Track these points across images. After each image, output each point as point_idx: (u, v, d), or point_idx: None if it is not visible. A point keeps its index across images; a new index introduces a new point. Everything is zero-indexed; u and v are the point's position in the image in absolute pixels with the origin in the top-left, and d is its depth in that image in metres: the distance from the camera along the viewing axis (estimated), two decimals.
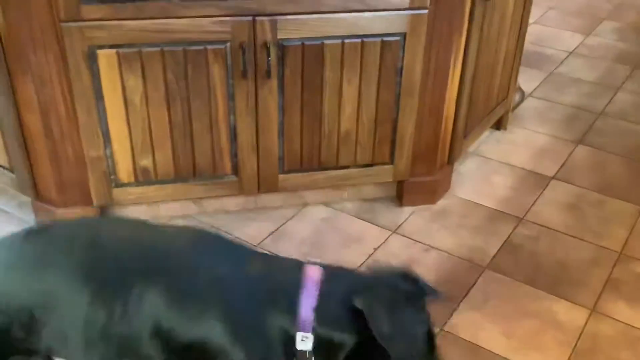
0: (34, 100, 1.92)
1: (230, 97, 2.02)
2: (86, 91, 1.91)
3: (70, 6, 1.77)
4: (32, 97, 1.91)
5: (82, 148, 2.01)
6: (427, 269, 2.10)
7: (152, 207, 2.26)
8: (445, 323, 1.92)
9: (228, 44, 1.93)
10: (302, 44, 1.98)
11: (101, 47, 1.85)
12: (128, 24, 1.84)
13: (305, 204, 2.38)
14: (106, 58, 1.87)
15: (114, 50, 1.87)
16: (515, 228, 2.31)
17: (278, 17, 1.92)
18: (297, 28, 1.96)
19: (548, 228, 2.32)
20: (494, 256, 2.18)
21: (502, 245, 2.23)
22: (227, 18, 1.89)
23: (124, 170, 2.08)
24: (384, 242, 2.23)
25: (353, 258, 2.14)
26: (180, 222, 2.26)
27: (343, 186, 2.36)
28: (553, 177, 2.58)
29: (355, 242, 2.22)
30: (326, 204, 2.39)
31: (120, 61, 1.89)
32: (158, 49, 1.90)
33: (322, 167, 2.24)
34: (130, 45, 1.87)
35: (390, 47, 2.03)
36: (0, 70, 1.88)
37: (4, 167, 2.14)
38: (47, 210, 2.14)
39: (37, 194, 2.12)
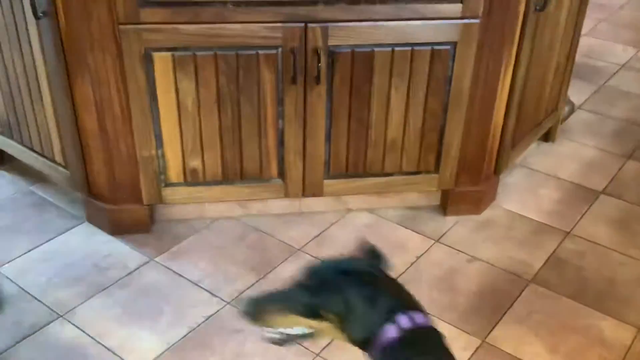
0: (91, 100, 1.97)
1: (280, 101, 2.05)
2: (141, 92, 1.96)
3: (129, 9, 1.82)
4: (89, 97, 1.97)
5: (134, 147, 2.06)
6: (469, 280, 2.09)
7: (198, 207, 2.30)
8: (488, 335, 1.90)
9: (279, 50, 1.96)
10: (352, 50, 2.00)
11: (157, 49, 1.90)
12: (184, 27, 1.88)
13: (348, 210, 2.39)
14: (161, 60, 1.92)
15: (169, 53, 1.91)
16: (561, 242, 2.27)
17: (329, 24, 1.94)
18: (347, 35, 1.97)
19: (595, 243, 2.27)
20: (539, 270, 2.15)
21: (548, 259, 2.20)
22: (280, 24, 1.92)
23: (174, 171, 2.13)
24: (426, 250, 2.22)
25: (395, 265, 2.13)
26: (224, 223, 2.30)
27: (387, 193, 2.36)
28: (602, 192, 2.53)
29: (397, 250, 2.22)
30: (370, 210, 2.39)
31: (175, 64, 1.93)
32: (211, 52, 1.93)
33: (367, 174, 2.25)
34: (185, 49, 1.92)
35: (440, 56, 2.03)
36: (59, 71, 1.94)
37: (58, 164, 2.21)
38: (98, 207, 2.20)
39: (90, 190, 2.18)
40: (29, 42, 1.99)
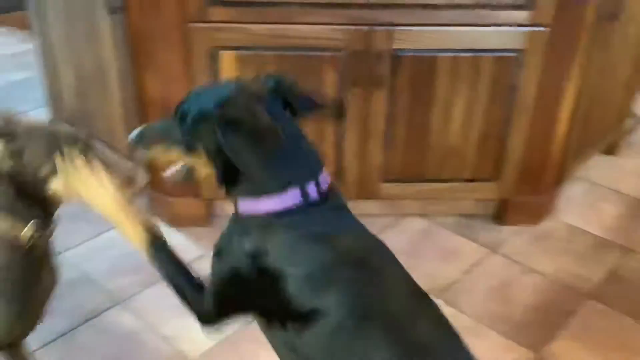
0: (158, 96, 2.03)
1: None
2: None
3: (198, 8, 1.86)
4: (155, 93, 2.02)
5: None
6: (525, 292, 2.05)
7: None
8: (542, 349, 1.86)
9: (343, 52, 1.97)
10: (416, 55, 1.99)
11: (223, 48, 1.94)
12: (250, 27, 1.91)
13: (403, 214, 2.38)
14: (227, 59, 1.96)
15: (234, 52, 1.95)
16: (621, 258, 2.21)
17: (394, 28, 1.94)
18: (412, 39, 1.97)
19: None
20: (598, 286, 2.09)
21: (607, 275, 2.14)
22: (345, 26, 1.93)
23: None
24: (481, 259, 2.19)
25: (449, 273, 2.12)
26: None
27: (443, 200, 2.34)
28: None
29: (452, 257, 2.19)
30: (424, 216, 2.38)
31: (240, 63, 1.97)
32: (275, 52, 1.96)
33: (424, 179, 2.23)
34: (249, 48, 1.95)
35: (505, 63, 2.00)
36: (128, 66, 2.00)
37: (123, 156, 2.27)
38: (159, 199, 2.26)
39: (154, 184, 2.24)
40: (102, 37, 2.06)
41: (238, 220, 1.13)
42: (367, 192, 2.25)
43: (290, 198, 1.04)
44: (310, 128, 2.06)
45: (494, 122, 2.11)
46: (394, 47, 1.97)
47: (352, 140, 2.13)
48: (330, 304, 1.04)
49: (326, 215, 1.09)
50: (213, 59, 1.95)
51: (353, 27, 1.93)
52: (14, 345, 1.36)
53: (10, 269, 1.18)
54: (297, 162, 1.07)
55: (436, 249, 2.23)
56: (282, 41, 1.94)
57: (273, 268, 1.06)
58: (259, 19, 1.90)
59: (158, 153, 1.17)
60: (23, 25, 3.80)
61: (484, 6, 1.91)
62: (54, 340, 1.81)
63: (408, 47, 1.98)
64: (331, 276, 1.06)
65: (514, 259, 2.19)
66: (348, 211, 1.18)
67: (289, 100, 1.11)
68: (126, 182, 1.22)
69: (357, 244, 1.13)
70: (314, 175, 1.07)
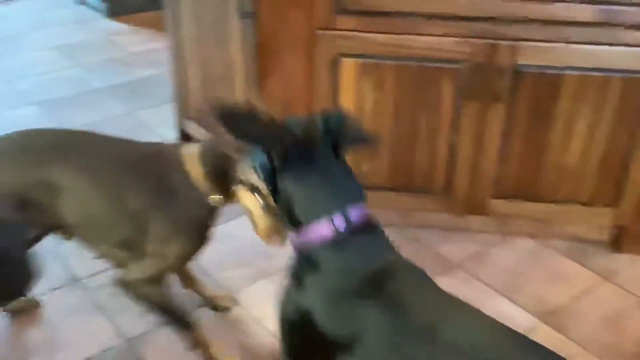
0: (280, 99, 2.10)
1: (457, 116, 2.05)
2: (325, 95, 2.06)
3: (327, 16, 1.92)
4: (278, 96, 2.10)
5: None
6: (639, 325, 1.96)
7: None
8: None
9: (464, 64, 1.97)
10: (540, 71, 1.96)
11: (346, 55, 1.99)
12: (374, 36, 1.95)
13: (511, 233, 2.33)
14: (348, 66, 2.00)
15: (357, 60, 1.99)
16: None
17: (520, 43, 1.92)
18: (537, 55, 1.93)
19: None
20: None
21: None
22: (469, 39, 1.93)
23: None
24: (593, 286, 2.11)
25: (557, 297, 2.05)
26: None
27: (555, 222, 2.27)
28: None
29: (561, 282, 2.13)
30: (533, 236, 2.32)
31: (360, 71, 2.01)
32: (396, 62, 1.99)
33: (536, 199, 2.18)
34: (371, 57, 1.99)
35: (636, 85, 1.92)
36: (254, 69, 2.09)
37: None
38: None
39: None
40: (231, 40, 2.17)
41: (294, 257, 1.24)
42: (475, 208, 2.22)
43: (320, 229, 1.12)
44: (422, 137, 2.08)
45: (617, 145, 2.03)
46: (518, 62, 1.94)
47: (465, 153, 2.11)
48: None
49: (357, 246, 1.14)
50: (335, 66, 2.00)
51: (477, 41, 1.92)
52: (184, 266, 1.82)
53: (202, 218, 1.61)
54: (327, 197, 1.14)
55: (544, 272, 2.17)
56: (403, 51, 1.97)
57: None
58: (385, 29, 1.93)
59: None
60: (152, 25, 4.06)
61: (618, 25, 1.85)
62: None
63: (531, 63, 1.95)
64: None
65: (629, 289, 2.09)
66: (383, 240, 1.21)
67: (337, 138, 1.18)
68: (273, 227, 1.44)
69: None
70: (341, 208, 1.13)
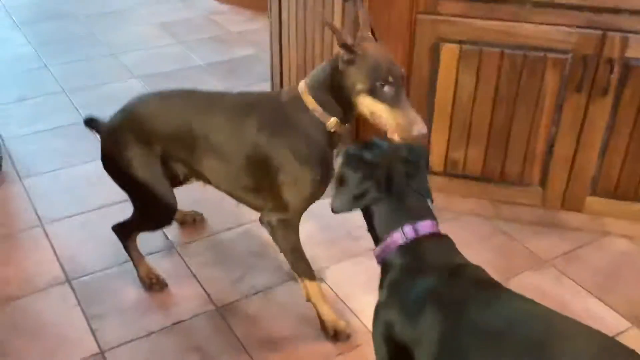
0: None
1: (558, 108, 2.00)
2: (423, 80, 2.05)
3: (431, 0, 1.91)
4: None
5: None
6: None
7: (447, 199, 2.32)
8: None
9: (570, 55, 1.90)
10: None
11: (447, 41, 1.97)
12: (477, 22, 1.92)
13: (606, 233, 2.24)
14: (448, 52, 1.99)
15: (457, 46, 1.97)
16: None
17: (631, 35, 1.84)
18: None
19: None
20: None
21: None
22: (576, 29, 1.86)
23: (436, 159, 2.19)
24: None
25: None
26: (473, 220, 2.30)
27: None
28: None
29: None
30: (631, 238, 2.22)
31: (460, 57, 1.99)
32: (498, 50, 1.95)
33: (637, 199, 2.09)
34: (473, 43, 1.96)
35: None
36: None
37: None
38: None
39: None
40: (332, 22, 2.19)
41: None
42: (570, 204, 2.16)
43: (393, 238, 1.28)
44: (520, 128, 2.03)
45: None
46: (627, 55, 1.87)
47: (564, 147, 2.05)
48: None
49: (424, 249, 1.26)
50: (435, 51, 1.99)
51: (586, 31, 1.86)
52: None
53: (319, 143, 1.65)
54: (400, 215, 1.29)
55: (638, 275, 2.08)
56: (507, 39, 1.92)
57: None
58: (488, 15, 1.90)
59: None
60: (252, 6, 4.15)
61: None
62: (255, 294, 1.98)
63: None
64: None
65: None
66: (449, 247, 1.31)
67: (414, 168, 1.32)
68: (407, 125, 1.51)
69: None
70: (411, 222, 1.27)
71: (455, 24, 1.94)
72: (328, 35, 2.23)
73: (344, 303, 1.96)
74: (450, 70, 2.01)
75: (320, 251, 2.16)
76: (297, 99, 1.64)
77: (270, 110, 1.68)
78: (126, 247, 1.98)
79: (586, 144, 2.03)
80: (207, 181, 1.84)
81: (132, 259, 1.99)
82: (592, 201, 2.13)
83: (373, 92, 1.51)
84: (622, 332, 1.86)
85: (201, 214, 2.29)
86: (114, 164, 1.84)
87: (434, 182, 2.19)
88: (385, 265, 1.30)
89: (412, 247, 1.25)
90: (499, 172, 2.16)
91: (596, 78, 1.91)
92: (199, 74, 3.37)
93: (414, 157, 1.32)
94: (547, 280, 2.06)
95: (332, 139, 1.65)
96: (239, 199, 1.83)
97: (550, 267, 2.11)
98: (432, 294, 1.18)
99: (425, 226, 1.26)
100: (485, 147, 2.13)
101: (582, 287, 2.03)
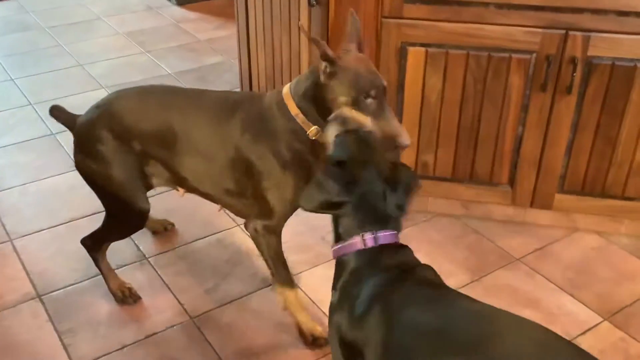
0: None
1: (524, 107, 2.02)
2: (390, 84, 2.03)
3: (395, 4, 1.92)
4: None
5: None
6: None
7: (421, 200, 2.34)
8: None
9: (534, 55, 1.93)
10: (612, 63, 1.90)
11: (412, 44, 1.99)
12: (442, 25, 1.94)
13: (575, 229, 2.28)
14: (415, 55, 2.00)
15: (423, 49, 1.99)
16: None
17: (592, 34, 1.87)
18: (610, 47, 1.88)
19: None
20: None
21: None
22: (540, 29, 1.89)
23: (406, 161, 2.19)
24: None
25: (621, 296, 2.00)
26: (445, 220, 2.32)
27: (623, 218, 2.21)
28: None
29: (627, 281, 2.07)
30: (600, 233, 2.26)
31: (427, 60, 2.00)
32: (464, 51, 1.97)
33: (605, 195, 2.13)
34: (439, 46, 1.98)
35: None
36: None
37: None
38: None
39: None
40: (299, 28, 2.19)
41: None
42: (540, 202, 2.19)
43: (354, 243, 1.31)
44: (488, 128, 2.05)
45: None
46: (590, 54, 1.90)
47: (532, 146, 2.08)
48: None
49: (378, 256, 1.29)
50: (401, 55, 2.00)
51: (548, 31, 1.89)
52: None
53: (302, 150, 1.63)
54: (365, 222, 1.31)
55: (610, 270, 2.12)
56: (472, 40, 1.95)
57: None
58: (453, 18, 1.92)
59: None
60: (220, 13, 4.14)
61: None
62: (230, 302, 1.97)
63: (605, 55, 1.90)
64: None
65: None
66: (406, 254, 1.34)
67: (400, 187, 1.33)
68: (389, 136, 1.50)
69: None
70: (374, 231, 1.29)
71: (421, 27, 1.96)
72: (295, 40, 2.23)
73: (319, 307, 1.96)
74: (418, 73, 2.03)
75: (295, 257, 2.15)
76: (281, 103, 1.62)
77: (254, 113, 1.66)
78: (96, 261, 1.94)
79: (553, 142, 2.06)
80: (187, 184, 1.78)
81: (102, 273, 1.96)
82: (560, 198, 2.16)
83: (356, 105, 1.49)
84: (594, 327, 1.89)
85: (172, 223, 2.28)
86: (87, 161, 1.77)
87: None
88: (339, 265, 1.33)
89: (368, 253, 1.28)
90: (469, 172, 2.18)
91: (560, 77, 1.94)
92: (168, 83, 3.34)
93: (403, 177, 1.33)
94: (519, 277, 2.08)
95: (314, 146, 1.63)
96: (222, 202, 1.80)
97: (521, 265, 2.14)
98: (378, 295, 1.22)
99: (385, 236, 1.29)
100: (454, 148, 2.15)
101: (554, 284, 2.06)
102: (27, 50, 3.76)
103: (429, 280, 1.27)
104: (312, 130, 1.60)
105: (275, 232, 1.74)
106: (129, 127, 1.72)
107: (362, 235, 1.28)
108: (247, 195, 1.71)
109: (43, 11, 4.33)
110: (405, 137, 1.50)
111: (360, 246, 1.28)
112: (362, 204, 1.29)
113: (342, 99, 1.51)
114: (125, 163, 1.74)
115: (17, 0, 4.52)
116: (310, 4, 2.03)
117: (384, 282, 1.24)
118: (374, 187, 1.29)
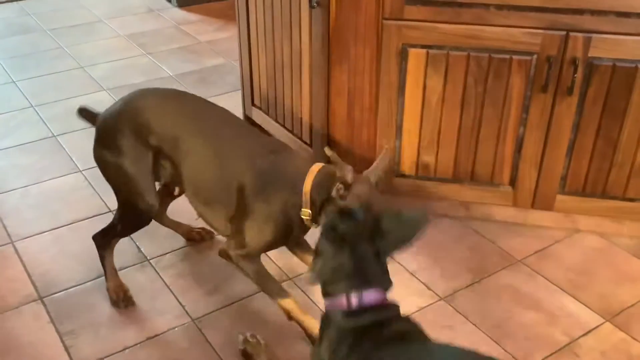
0: (345, 89, 2.12)
1: (525, 108, 2.02)
2: (391, 85, 2.06)
3: (396, 5, 1.93)
4: (343, 86, 2.12)
5: (375, 136, 2.17)
6: None
7: (421, 202, 2.34)
8: None
9: (534, 56, 1.93)
10: (613, 64, 1.90)
11: (413, 46, 1.99)
12: (443, 27, 1.94)
13: (577, 230, 2.28)
14: (415, 57, 2.00)
15: (424, 50, 1.99)
16: None
17: (593, 35, 1.87)
18: (611, 48, 1.88)
19: None
20: None
21: None
22: (540, 30, 1.89)
23: (407, 163, 2.21)
24: None
25: (623, 297, 2.00)
26: (446, 221, 2.33)
27: (624, 219, 2.21)
28: None
29: (629, 282, 2.07)
30: (601, 234, 2.26)
31: (428, 61, 2.00)
32: (465, 53, 1.97)
33: (606, 196, 2.13)
34: (439, 47, 1.98)
35: None
36: (321, 58, 2.12)
37: (304, 142, 2.41)
38: None
39: None
40: (299, 29, 2.19)
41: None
42: (541, 203, 2.19)
43: (340, 301, 1.31)
44: (489, 129, 2.05)
45: None
46: (590, 55, 1.90)
47: (533, 147, 2.08)
48: None
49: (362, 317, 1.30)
50: (402, 56, 2.01)
51: (549, 32, 1.89)
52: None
53: (292, 222, 1.73)
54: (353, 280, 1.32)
55: (611, 271, 2.12)
56: (473, 42, 1.95)
57: None
58: (453, 19, 1.92)
59: None
60: (221, 15, 4.14)
61: None
62: (231, 304, 1.97)
63: (606, 56, 1.90)
64: None
65: None
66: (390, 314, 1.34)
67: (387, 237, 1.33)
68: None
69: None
70: (359, 290, 1.30)
71: (421, 29, 1.96)
72: (296, 42, 2.24)
73: (319, 308, 1.96)
74: (418, 74, 2.03)
75: (295, 257, 2.15)
76: (303, 175, 1.67)
77: (277, 166, 1.72)
78: (103, 258, 1.96)
79: (554, 143, 2.06)
80: (183, 187, 1.86)
81: (105, 271, 1.97)
82: (562, 199, 2.16)
83: None
84: (595, 328, 1.89)
85: (212, 233, 2.25)
86: (105, 152, 1.84)
87: (405, 185, 2.25)
88: (327, 316, 1.35)
89: (353, 314, 1.30)
90: (470, 173, 2.18)
91: (561, 78, 1.94)
92: (170, 85, 3.34)
93: (388, 227, 1.33)
94: (521, 278, 2.08)
95: (302, 222, 1.70)
96: (204, 217, 1.87)
97: (523, 266, 2.14)
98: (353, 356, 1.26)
99: (369, 296, 1.29)
100: (455, 149, 2.15)
101: (555, 285, 2.06)
102: (28, 52, 3.76)
103: (403, 335, 1.29)
104: (304, 212, 1.67)
105: (248, 258, 1.79)
106: (147, 124, 1.79)
107: (347, 295, 1.29)
108: (231, 221, 1.78)
109: (44, 13, 4.34)
110: None
111: (344, 305, 1.30)
112: (347, 264, 1.30)
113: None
114: (139, 156, 1.81)
115: (19, 2, 4.53)
116: (311, 5, 2.04)
117: (358, 346, 1.27)
118: (358, 248, 1.30)
